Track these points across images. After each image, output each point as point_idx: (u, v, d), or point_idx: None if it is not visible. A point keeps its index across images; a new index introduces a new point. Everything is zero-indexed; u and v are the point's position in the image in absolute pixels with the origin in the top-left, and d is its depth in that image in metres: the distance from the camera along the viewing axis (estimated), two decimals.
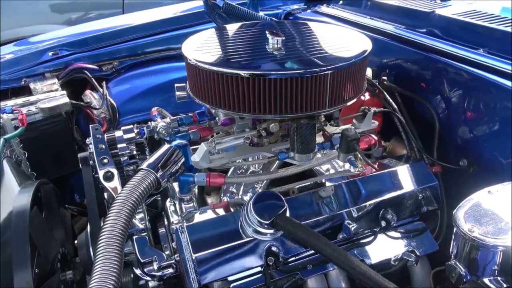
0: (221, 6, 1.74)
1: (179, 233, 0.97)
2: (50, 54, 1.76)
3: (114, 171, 1.17)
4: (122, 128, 1.25)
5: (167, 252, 1.08)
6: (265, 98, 0.93)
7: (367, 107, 1.10)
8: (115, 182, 1.17)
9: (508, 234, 0.74)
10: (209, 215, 1.05)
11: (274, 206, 0.87)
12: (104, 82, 1.81)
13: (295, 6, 2.07)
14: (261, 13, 1.92)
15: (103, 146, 1.22)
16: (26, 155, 1.34)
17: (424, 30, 1.35)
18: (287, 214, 0.88)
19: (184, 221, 0.99)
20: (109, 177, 1.17)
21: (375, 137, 1.16)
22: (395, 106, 1.21)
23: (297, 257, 0.98)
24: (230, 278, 0.93)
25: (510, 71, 1.04)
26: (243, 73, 0.92)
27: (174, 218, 1.14)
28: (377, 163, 1.22)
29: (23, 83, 1.74)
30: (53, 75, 1.77)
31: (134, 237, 1.07)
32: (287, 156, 0.99)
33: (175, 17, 2.00)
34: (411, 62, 1.31)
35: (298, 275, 0.97)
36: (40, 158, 1.47)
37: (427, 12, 1.36)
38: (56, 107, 1.52)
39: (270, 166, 1.15)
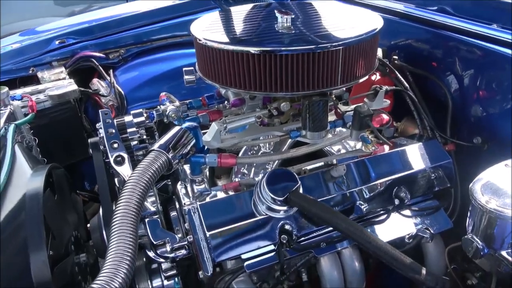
0: None
1: (192, 214, 0.97)
2: (56, 42, 1.76)
3: (125, 155, 1.17)
4: (132, 112, 1.25)
5: (179, 235, 1.08)
6: (276, 75, 0.92)
7: (378, 86, 1.08)
8: (126, 166, 1.17)
9: None
10: (220, 195, 1.05)
11: (287, 184, 0.87)
12: (111, 70, 1.81)
13: None
14: None
15: (113, 131, 1.22)
16: (37, 141, 1.34)
17: (435, 7, 1.32)
18: (300, 191, 0.88)
19: (197, 201, 0.98)
20: (119, 161, 1.17)
21: (387, 117, 1.14)
22: (407, 85, 1.20)
23: (310, 236, 0.98)
24: (243, 256, 0.92)
25: None
26: (253, 50, 0.91)
27: (186, 201, 1.14)
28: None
29: (31, 72, 1.74)
30: (60, 64, 1.78)
31: (146, 220, 1.07)
32: (299, 134, 0.98)
33: (179, 4, 1.98)
34: (422, 40, 1.29)
35: (311, 254, 0.97)
36: (49, 146, 1.47)
37: None
38: (64, 94, 1.52)
39: (281, 146, 1.14)
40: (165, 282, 1.11)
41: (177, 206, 1.22)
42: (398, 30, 1.36)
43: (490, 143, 1.11)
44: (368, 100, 1.09)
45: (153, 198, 1.14)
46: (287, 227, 0.92)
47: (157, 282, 1.10)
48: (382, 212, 1.04)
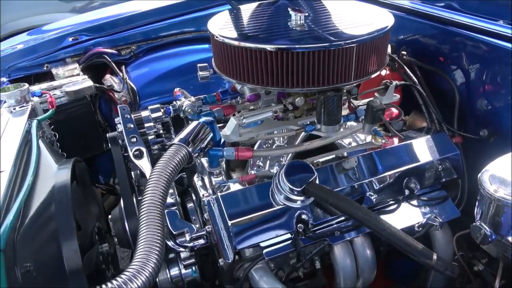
0: None
1: (212, 204, 1.02)
2: (70, 39, 1.80)
3: (143, 149, 1.22)
4: (150, 107, 1.29)
5: (196, 225, 1.13)
6: (292, 71, 0.96)
7: (388, 81, 1.13)
8: (145, 160, 1.22)
9: None
10: (237, 187, 1.10)
11: (305, 175, 0.91)
12: (123, 66, 1.85)
13: None
14: None
15: (132, 126, 1.27)
16: (57, 137, 1.39)
17: (442, 4, 1.36)
18: (317, 182, 0.92)
19: (218, 192, 1.03)
20: (138, 155, 1.22)
21: (396, 111, 1.19)
22: (415, 80, 1.24)
23: (324, 225, 1.02)
24: (262, 244, 0.97)
25: None
26: (269, 47, 0.95)
27: (203, 192, 1.19)
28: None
29: (45, 68, 1.78)
30: (73, 60, 1.81)
31: (166, 211, 1.12)
32: (314, 128, 1.02)
33: (187, 2, 2.01)
34: (429, 36, 1.33)
35: (326, 242, 1.02)
36: (66, 141, 1.51)
37: None
38: (80, 90, 1.56)
39: (294, 140, 1.18)
40: (183, 271, 1.16)
41: (194, 198, 1.27)
42: (405, 26, 1.40)
43: (496, 135, 1.15)
44: (379, 94, 1.13)
45: (171, 190, 1.18)
46: (303, 216, 0.97)
47: (174, 271, 1.16)
48: (392, 202, 1.09)
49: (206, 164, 1.19)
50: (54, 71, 1.76)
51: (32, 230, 0.89)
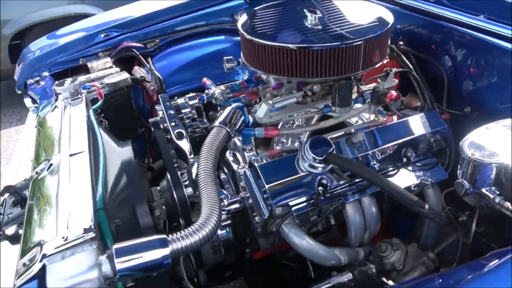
0: None
1: (247, 174, 1.26)
2: (102, 36, 2.01)
3: (183, 131, 1.46)
4: (187, 96, 1.52)
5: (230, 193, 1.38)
6: (311, 64, 1.19)
7: (389, 68, 1.36)
8: (185, 140, 1.45)
9: (500, 155, 1.02)
10: (267, 159, 1.34)
11: (325, 148, 1.16)
12: (149, 58, 2.07)
13: None
14: None
15: (172, 112, 1.50)
16: (107, 123, 1.62)
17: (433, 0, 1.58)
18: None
19: (255, 163, 1.27)
20: (180, 136, 1.46)
21: (395, 93, 1.42)
22: (411, 66, 1.47)
23: (339, 188, 1.27)
24: (290, 203, 1.22)
25: (504, 34, 1.29)
26: (291, 46, 1.18)
27: (236, 166, 1.44)
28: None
29: (81, 62, 2.00)
30: (105, 54, 2.03)
31: None
32: (329, 110, 1.26)
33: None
34: (422, 28, 1.56)
35: (340, 201, 1.27)
36: (109, 127, 1.74)
37: None
38: (119, 82, 1.78)
39: (311, 120, 1.42)
40: (219, 232, 1.41)
41: (226, 171, 1.51)
42: (401, 18, 1.62)
43: (477, 111, 1.40)
44: (381, 80, 1.37)
45: None
46: (323, 181, 1.22)
47: None
48: (392, 168, 1.34)
49: (238, 143, 1.44)
50: (89, 64, 1.98)
51: (113, 197, 1.13)
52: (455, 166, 1.40)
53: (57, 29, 2.25)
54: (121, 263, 0.82)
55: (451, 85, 1.47)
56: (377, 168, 1.32)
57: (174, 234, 0.90)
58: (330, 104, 1.28)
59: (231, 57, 1.48)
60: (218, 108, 1.62)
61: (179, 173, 1.44)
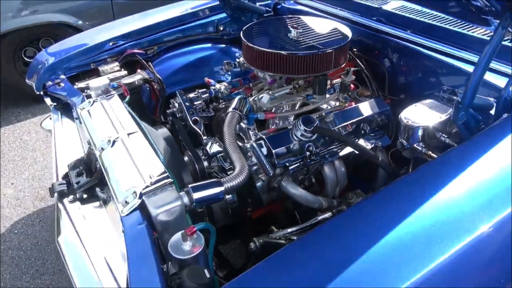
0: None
1: (254, 146, 1.74)
2: (110, 44, 2.37)
3: (198, 118, 1.91)
4: (199, 90, 1.97)
5: None
6: (297, 65, 1.71)
7: (348, 68, 1.92)
8: (200, 125, 1.90)
9: (424, 121, 1.60)
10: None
11: (311, 122, 1.67)
12: (149, 63, 2.46)
13: None
14: (257, 4, 2.65)
15: (188, 103, 1.94)
16: None
17: (375, 18, 2.18)
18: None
19: (264, 136, 1.74)
20: (195, 122, 1.90)
21: (353, 85, 1.98)
22: (363, 66, 2.05)
23: (320, 153, 1.79)
24: (287, 164, 1.72)
25: (424, 44, 1.91)
26: (283, 52, 1.69)
27: (240, 143, 1.91)
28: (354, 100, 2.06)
29: (92, 67, 2.34)
30: (113, 60, 2.39)
31: (219, 156, 1.82)
32: (311, 98, 1.78)
33: (191, 12, 2.65)
34: (369, 39, 2.14)
35: (321, 162, 1.78)
36: None
37: (376, 7, 2.19)
38: (133, 82, 2.17)
39: (295, 106, 1.94)
40: (226, 196, 1.86)
41: None
42: (355, 32, 2.19)
43: (408, 97, 2.00)
44: (344, 76, 1.92)
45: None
46: (310, 148, 1.73)
47: None
48: (354, 138, 1.89)
49: (243, 125, 1.91)
50: (100, 68, 2.33)
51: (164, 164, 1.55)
52: (395, 136, 2.00)
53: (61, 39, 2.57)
54: (196, 194, 1.26)
55: (390, 79, 2.06)
56: None
57: (224, 178, 1.36)
58: (311, 93, 1.81)
59: (230, 61, 1.96)
60: (220, 100, 2.08)
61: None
